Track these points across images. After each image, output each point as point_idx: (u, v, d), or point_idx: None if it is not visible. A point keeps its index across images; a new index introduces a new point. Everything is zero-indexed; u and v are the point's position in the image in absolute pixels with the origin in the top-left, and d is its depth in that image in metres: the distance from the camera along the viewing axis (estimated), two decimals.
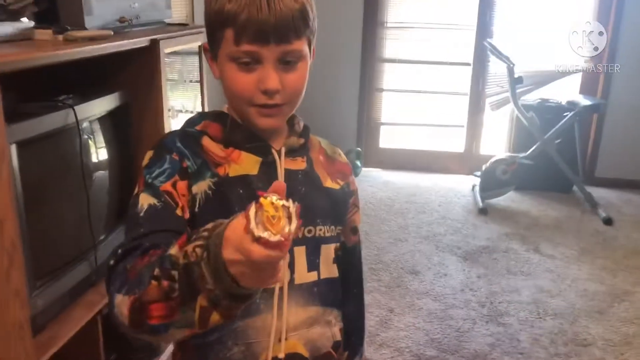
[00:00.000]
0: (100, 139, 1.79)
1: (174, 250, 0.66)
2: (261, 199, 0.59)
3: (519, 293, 2.66)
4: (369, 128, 4.38)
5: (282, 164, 0.92)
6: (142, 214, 0.82)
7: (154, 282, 0.65)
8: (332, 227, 0.97)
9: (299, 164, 0.95)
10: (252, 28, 0.82)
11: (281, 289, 0.90)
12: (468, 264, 2.94)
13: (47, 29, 1.52)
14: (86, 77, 1.79)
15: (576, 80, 4.10)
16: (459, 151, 4.37)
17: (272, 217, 0.58)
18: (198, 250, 0.63)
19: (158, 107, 1.93)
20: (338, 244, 1.00)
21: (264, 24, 0.82)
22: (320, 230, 0.95)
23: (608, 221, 3.47)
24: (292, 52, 0.86)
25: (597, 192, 3.81)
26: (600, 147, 4.10)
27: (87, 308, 1.63)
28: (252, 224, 0.57)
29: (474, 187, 3.93)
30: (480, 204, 3.64)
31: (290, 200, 0.61)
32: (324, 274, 0.96)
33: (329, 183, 0.99)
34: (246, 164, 0.91)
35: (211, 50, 0.90)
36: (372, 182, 4.10)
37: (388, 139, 4.48)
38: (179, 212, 0.84)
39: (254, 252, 0.57)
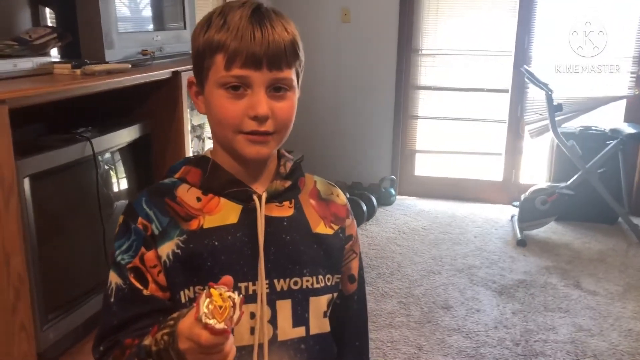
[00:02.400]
0: (121, 169, 1.80)
1: (147, 341, 0.76)
2: (211, 290, 0.68)
3: (556, 331, 2.52)
4: (404, 156, 4.31)
5: (263, 212, 0.87)
6: (112, 299, 0.85)
7: None
8: (327, 276, 0.91)
9: (285, 210, 0.90)
10: (244, 53, 0.81)
11: (261, 345, 0.85)
12: (503, 299, 2.81)
13: (67, 63, 1.55)
14: (110, 109, 1.81)
15: (620, 107, 3.94)
16: (497, 180, 4.24)
17: (220, 307, 0.67)
18: (165, 337, 0.73)
19: (180, 137, 1.95)
20: (334, 294, 0.93)
21: (257, 50, 0.81)
22: (308, 281, 0.89)
23: None
24: (283, 79, 0.84)
25: None
26: None
27: None
28: (201, 312, 0.66)
29: (512, 217, 3.80)
30: (519, 236, 3.50)
31: (236, 293, 0.70)
32: (314, 329, 0.90)
33: (320, 228, 0.93)
34: (225, 212, 0.87)
35: (198, 83, 0.88)
36: (406, 210, 4.01)
37: (424, 167, 4.39)
38: (147, 292, 0.85)
39: (202, 337, 0.66)
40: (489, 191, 4.22)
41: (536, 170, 4.19)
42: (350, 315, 1.00)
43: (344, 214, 0.98)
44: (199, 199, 0.87)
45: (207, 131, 2.28)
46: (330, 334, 0.92)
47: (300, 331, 0.88)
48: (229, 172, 0.88)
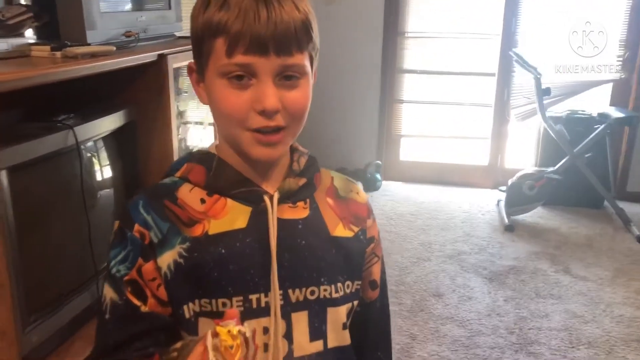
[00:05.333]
0: (104, 157, 1.70)
1: None
2: (217, 328, 0.61)
3: (550, 318, 2.50)
4: (390, 140, 4.25)
5: (275, 214, 0.77)
6: (107, 315, 0.77)
7: None
8: (346, 283, 0.82)
9: (300, 211, 0.81)
10: (248, 37, 0.70)
11: None
12: (494, 285, 2.78)
13: (45, 45, 1.43)
14: (92, 93, 1.70)
15: (607, 91, 3.92)
16: (482, 164, 4.21)
17: (230, 347, 0.60)
18: None
19: (166, 123, 1.85)
20: (354, 303, 0.84)
21: (262, 32, 0.70)
22: (326, 290, 0.80)
23: None
24: (293, 65, 0.73)
25: (630, 208, 3.62)
26: (632, 161, 3.91)
27: (88, 341, 1.53)
28: (210, 356, 0.59)
29: (499, 202, 3.77)
30: (507, 221, 3.48)
31: (246, 325, 0.62)
32: (332, 343, 0.81)
33: (339, 231, 0.83)
34: (232, 215, 0.77)
35: (198, 70, 0.78)
36: (393, 196, 3.96)
37: (409, 152, 4.34)
38: (145, 308, 0.76)
39: None
40: (474, 176, 4.19)
41: (521, 155, 4.16)
42: (371, 324, 0.91)
43: (365, 213, 0.89)
44: (203, 201, 0.78)
45: (192, 117, 2.18)
46: (350, 347, 0.84)
47: (317, 345, 0.80)
48: (237, 170, 0.79)
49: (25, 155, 1.30)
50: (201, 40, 0.74)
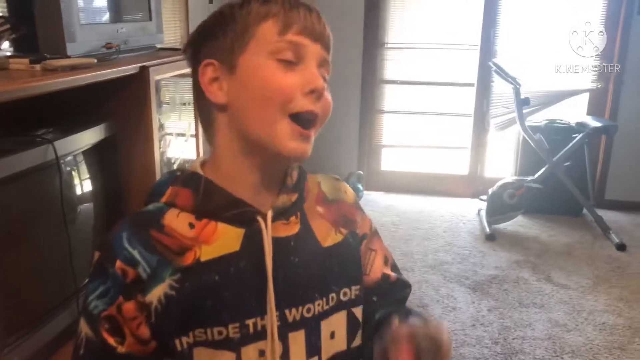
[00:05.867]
0: (85, 172, 1.66)
1: None
2: None
3: (533, 328, 2.51)
4: (371, 150, 4.25)
5: (269, 234, 0.74)
6: (81, 351, 0.74)
7: None
8: (342, 291, 0.80)
9: (291, 227, 0.78)
10: (302, 22, 0.72)
11: None
12: (478, 295, 2.79)
13: (24, 57, 1.40)
14: (72, 107, 1.66)
15: (584, 100, 3.98)
16: (463, 174, 4.24)
17: None
18: None
19: (148, 136, 1.81)
20: (351, 310, 0.82)
21: (314, 21, 0.74)
22: (319, 305, 0.78)
23: (621, 247, 3.33)
24: (328, 64, 0.76)
25: (608, 215, 3.67)
26: (609, 169, 3.97)
27: None
28: None
29: (479, 211, 3.80)
30: (488, 230, 3.50)
31: None
32: (325, 356, 0.79)
33: (330, 239, 0.81)
34: (224, 239, 0.74)
35: (225, 63, 0.73)
36: (374, 206, 3.96)
37: (390, 162, 4.36)
38: (122, 348, 0.72)
39: None
40: (455, 185, 4.22)
41: (501, 164, 4.20)
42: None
43: (354, 214, 0.87)
44: (192, 226, 0.73)
45: (172, 129, 2.14)
46: (347, 352, 0.82)
47: None
48: (226, 191, 0.75)
49: (3, 171, 1.26)
50: (241, 31, 0.73)
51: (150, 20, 1.98)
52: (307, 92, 0.72)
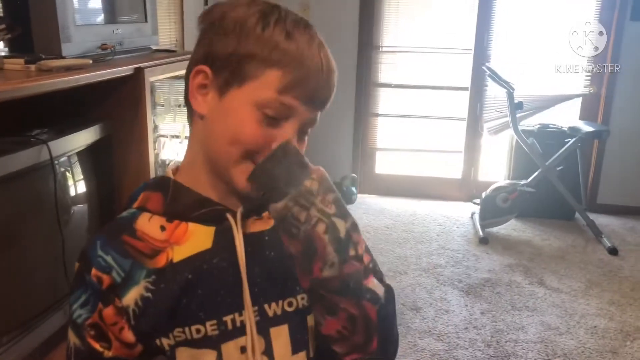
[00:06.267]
0: (79, 173, 1.66)
1: None
2: None
3: (526, 331, 2.52)
4: (365, 154, 4.26)
5: (240, 231, 0.75)
6: (72, 359, 0.75)
7: None
8: None
9: (265, 223, 0.78)
10: (308, 86, 0.70)
11: None
12: (471, 298, 2.80)
13: (19, 58, 1.39)
14: (67, 108, 1.66)
15: (576, 105, 4.01)
16: (456, 177, 4.26)
17: None
18: None
19: (143, 138, 1.81)
20: None
21: (323, 87, 0.72)
22: (303, 299, 0.78)
23: (613, 251, 3.35)
24: (315, 121, 0.75)
25: (600, 220, 3.70)
26: (601, 174, 3.99)
27: None
28: None
29: (472, 214, 3.81)
30: (481, 233, 3.51)
31: None
32: (314, 351, 0.79)
33: None
34: (196, 238, 0.75)
35: (217, 79, 0.72)
36: (368, 209, 3.97)
37: (384, 165, 4.37)
38: (109, 353, 0.73)
39: None
40: (448, 189, 4.23)
41: (494, 168, 4.22)
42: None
43: None
44: (163, 228, 0.75)
45: (167, 130, 2.14)
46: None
47: (301, 357, 0.78)
48: (194, 191, 0.76)
49: None
50: (245, 60, 0.70)
51: (146, 21, 1.98)
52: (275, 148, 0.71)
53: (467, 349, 2.38)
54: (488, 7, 3.89)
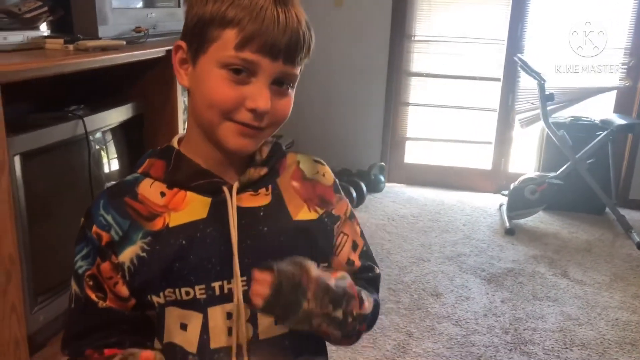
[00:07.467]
0: (112, 149, 1.76)
1: None
2: None
3: (545, 320, 2.54)
4: (394, 142, 4.29)
5: (234, 203, 0.80)
6: (72, 305, 0.83)
7: None
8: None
9: (261, 199, 0.83)
10: (263, 37, 0.72)
11: (240, 346, 0.80)
12: (492, 287, 2.82)
13: (59, 38, 1.49)
14: (102, 87, 1.76)
15: (611, 98, 3.95)
16: (486, 168, 4.25)
17: None
18: None
19: (172, 118, 1.90)
20: None
21: (278, 37, 0.72)
22: None
23: None
24: (291, 75, 0.77)
25: (631, 215, 3.65)
26: (635, 168, 3.93)
27: None
28: None
29: (500, 206, 3.81)
30: (507, 224, 3.51)
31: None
32: None
33: (303, 214, 0.85)
34: (192, 207, 0.80)
35: (190, 51, 0.77)
36: (395, 197, 4.00)
37: (413, 154, 4.38)
38: (103, 304, 0.81)
39: None
40: (477, 179, 4.23)
41: (525, 160, 4.20)
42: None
43: (331, 195, 0.89)
44: (163, 194, 0.80)
45: None
46: None
47: (283, 327, 0.82)
48: (195, 162, 0.80)
49: (36, 143, 1.36)
50: (207, 25, 0.73)
51: (179, 6, 2.06)
52: (249, 108, 0.74)
53: (484, 334, 2.41)
54: None
